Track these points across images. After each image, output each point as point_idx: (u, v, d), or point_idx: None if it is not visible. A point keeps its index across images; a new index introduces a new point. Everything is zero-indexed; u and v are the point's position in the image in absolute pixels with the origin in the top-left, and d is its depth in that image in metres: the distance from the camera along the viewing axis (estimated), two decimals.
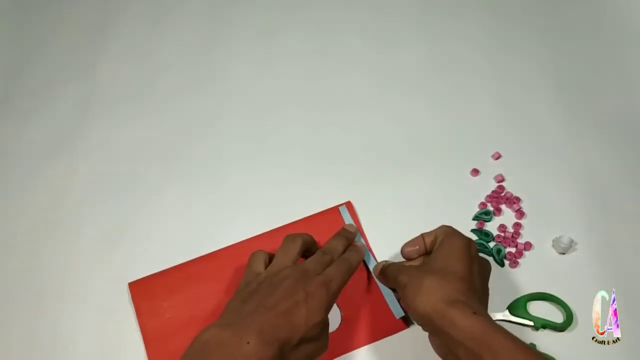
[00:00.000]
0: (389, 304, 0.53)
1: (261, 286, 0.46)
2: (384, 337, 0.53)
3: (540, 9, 0.73)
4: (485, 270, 0.50)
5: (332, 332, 0.52)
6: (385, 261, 0.55)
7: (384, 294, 0.54)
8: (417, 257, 0.53)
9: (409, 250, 0.53)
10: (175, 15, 0.74)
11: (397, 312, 0.53)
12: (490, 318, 0.44)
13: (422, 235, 0.53)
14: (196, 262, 0.56)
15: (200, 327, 0.51)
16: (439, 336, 0.45)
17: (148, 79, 0.69)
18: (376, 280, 0.55)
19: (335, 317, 0.53)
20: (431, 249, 0.52)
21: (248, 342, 0.41)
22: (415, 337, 0.52)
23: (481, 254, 0.56)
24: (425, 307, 0.44)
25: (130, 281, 0.55)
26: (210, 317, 0.53)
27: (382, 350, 0.52)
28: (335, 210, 0.58)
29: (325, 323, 0.46)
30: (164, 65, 0.70)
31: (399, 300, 0.53)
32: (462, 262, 0.47)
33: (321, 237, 0.55)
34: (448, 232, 0.51)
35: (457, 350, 0.43)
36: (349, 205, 0.59)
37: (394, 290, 0.53)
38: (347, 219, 0.57)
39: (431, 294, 0.45)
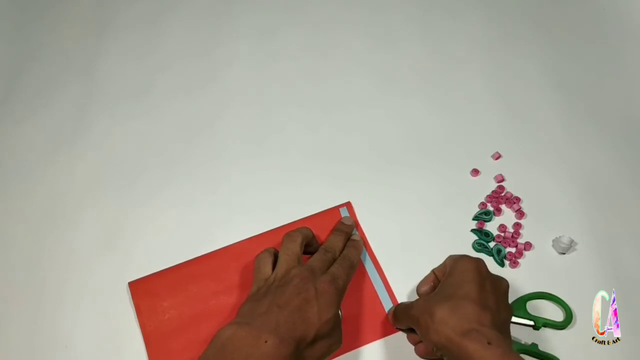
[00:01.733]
0: (381, 299, 0.54)
1: (271, 288, 0.47)
2: (385, 336, 0.53)
3: (541, 9, 0.73)
4: (500, 287, 0.49)
5: None
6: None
7: (376, 288, 0.54)
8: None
9: (425, 289, 0.53)
10: (175, 15, 0.74)
11: (389, 307, 0.53)
12: (506, 346, 0.42)
13: (433, 271, 0.53)
14: (196, 261, 0.56)
15: (201, 326, 0.52)
16: None
17: (148, 79, 0.68)
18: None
19: None
20: None
21: (266, 341, 0.41)
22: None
23: (481, 254, 0.56)
24: (440, 339, 0.44)
25: (130, 280, 0.55)
26: (211, 317, 0.53)
27: (382, 349, 0.52)
28: (335, 210, 0.58)
29: (337, 319, 0.46)
30: (164, 65, 0.70)
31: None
32: (473, 283, 0.46)
33: (322, 237, 0.56)
34: (455, 258, 0.50)
35: None
36: (348, 205, 0.59)
37: (412, 330, 0.50)
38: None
39: (443, 324, 0.44)
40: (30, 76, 0.69)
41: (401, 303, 0.53)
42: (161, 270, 0.55)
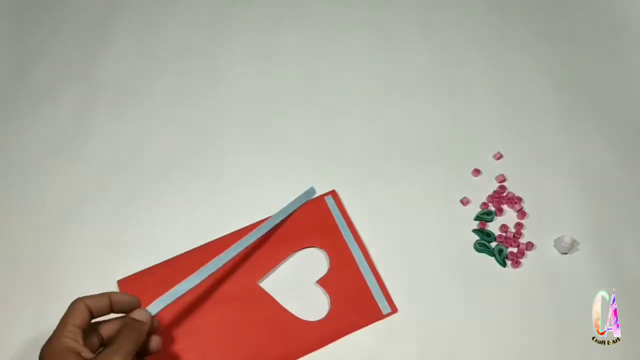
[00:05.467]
0: (375, 299, 0.53)
1: None
2: (373, 322, 0.52)
3: (542, 9, 0.74)
4: None
5: (322, 320, 0.52)
6: None
7: (370, 287, 0.54)
8: None
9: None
10: (175, 16, 0.74)
11: (385, 308, 0.53)
12: None
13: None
14: (185, 255, 0.55)
15: (192, 319, 0.52)
16: None
17: (149, 79, 0.68)
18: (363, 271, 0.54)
19: (323, 305, 0.53)
20: None
21: None
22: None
23: (483, 254, 0.56)
24: None
25: (119, 279, 0.54)
26: (199, 310, 0.52)
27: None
28: (321, 199, 0.58)
29: None
30: (165, 64, 0.69)
31: None
32: None
33: (308, 227, 0.56)
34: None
35: None
36: (333, 194, 0.59)
37: None
38: (334, 209, 0.58)
39: None
40: (31, 78, 0.68)
41: None
42: (150, 267, 0.54)
